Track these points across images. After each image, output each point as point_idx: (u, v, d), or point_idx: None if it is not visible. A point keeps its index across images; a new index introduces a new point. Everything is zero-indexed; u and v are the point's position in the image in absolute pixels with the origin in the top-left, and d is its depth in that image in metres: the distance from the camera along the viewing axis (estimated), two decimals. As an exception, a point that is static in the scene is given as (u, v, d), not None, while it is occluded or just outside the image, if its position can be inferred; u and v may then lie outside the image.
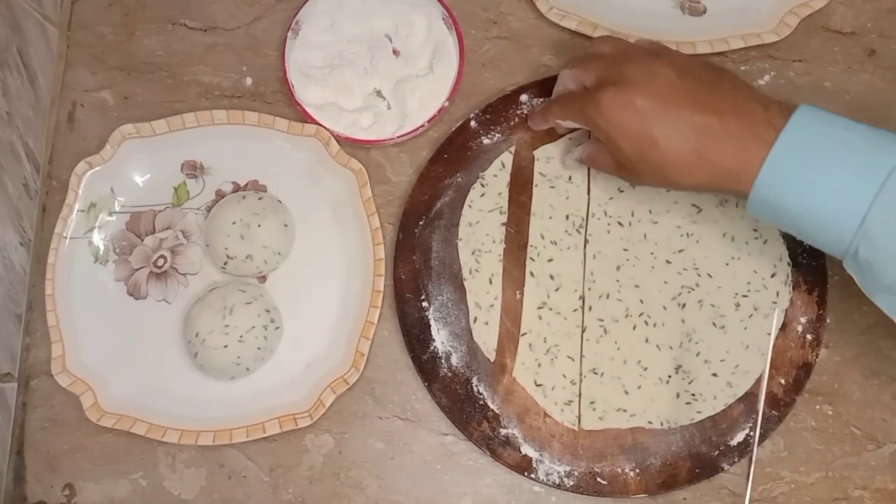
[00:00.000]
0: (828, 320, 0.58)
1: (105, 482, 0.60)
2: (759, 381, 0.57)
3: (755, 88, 0.51)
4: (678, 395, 0.58)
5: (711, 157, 0.49)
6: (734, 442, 0.57)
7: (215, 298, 0.59)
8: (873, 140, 0.45)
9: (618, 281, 0.59)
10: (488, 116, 0.62)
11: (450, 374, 0.59)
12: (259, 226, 0.59)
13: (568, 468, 0.57)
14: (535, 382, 0.58)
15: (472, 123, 0.62)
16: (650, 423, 0.58)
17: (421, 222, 0.61)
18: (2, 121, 0.60)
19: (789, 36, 0.62)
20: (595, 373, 0.58)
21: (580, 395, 0.58)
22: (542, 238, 0.60)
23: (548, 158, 0.61)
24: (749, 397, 0.57)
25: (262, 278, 0.62)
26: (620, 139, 0.51)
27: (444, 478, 0.59)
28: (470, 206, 0.61)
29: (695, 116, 0.49)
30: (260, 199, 0.61)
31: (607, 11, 0.64)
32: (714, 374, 0.58)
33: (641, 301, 0.59)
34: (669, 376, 0.58)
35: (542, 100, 0.62)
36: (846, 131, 0.46)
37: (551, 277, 0.60)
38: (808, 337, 0.58)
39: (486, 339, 0.59)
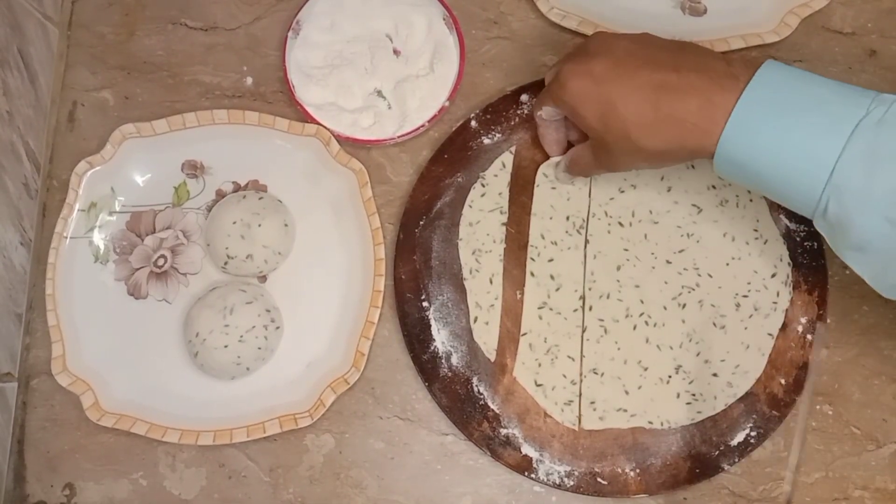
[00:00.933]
0: (828, 320, 0.58)
1: (105, 482, 0.60)
2: (796, 407, 0.57)
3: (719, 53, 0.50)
4: (678, 396, 0.58)
5: (672, 112, 0.47)
6: (734, 442, 0.57)
7: (215, 298, 0.59)
8: (840, 93, 0.44)
9: (618, 281, 0.59)
10: (489, 116, 0.62)
11: (450, 374, 0.59)
12: (259, 225, 0.59)
13: (568, 468, 0.57)
14: (536, 382, 0.58)
15: (473, 123, 0.62)
16: (650, 423, 0.58)
17: (421, 222, 0.61)
18: (2, 120, 0.60)
19: (790, 36, 0.62)
20: (595, 373, 0.58)
21: (580, 395, 0.58)
22: (543, 238, 0.60)
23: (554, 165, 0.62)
24: (749, 397, 0.57)
25: (263, 278, 0.62)
26: (582, 108, 0.51)
27: (445, 478, 0.59)
28: (470, 206, 0.61)
29: (652, 75, 0.48)
30: (260, 198, 0.61)
31: (607, 11, 0.64)
32: (714, 375, 0.58)
33: (642, 301, 0.59)
34: (670, 376, 0.58)
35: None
36: (813, 85, 0.45)
37: (552, 277, 0.60)
38: (809, 337, 0.58)
39: (487, 339, 0.59)
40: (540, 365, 0.59)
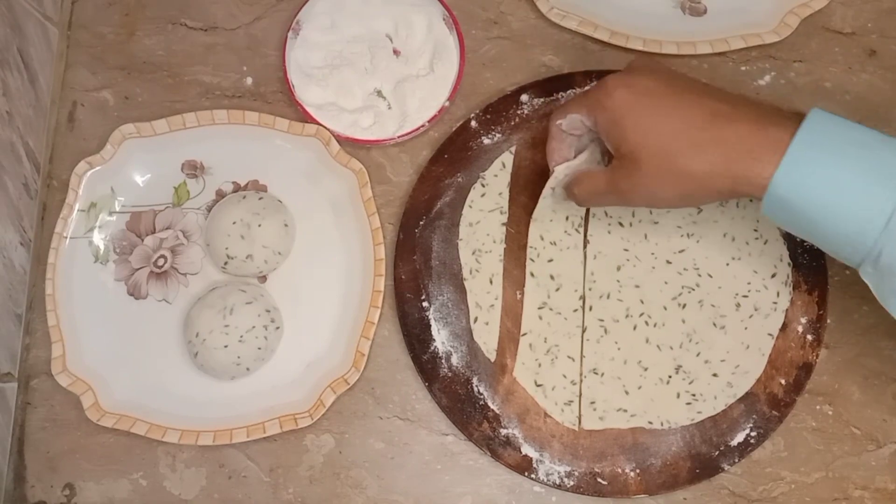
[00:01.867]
0: (828, 320, 0.58)
1: (105, 482, 0.60)
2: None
3: None
4: (678, 396, 0.58)
5: (723, 134, 0.45)
6: (734, 442, 0.57)
7: (215, 298, 0.59)
8: (891, 143, 0.43)
9: (618, 281, 0.59)
10: (489, 116, 0.62)
11: (450, 375, 0.59)
12: (259, 226, 0.59)
13: (568, 468, 0.57)
14: (536, 383, 0.58)
15: (473, 123, 0.62)
16: (650, 423, 0.58)
17: (421, 222, 0.61)
18: (2, 120, 0.60)
19: (790, 36, 0.62)
20: (595, 373, 0.58)
21: (580, 395, 0.58)
22: (542, 239, 0.60)
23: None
24: (749, 397, 0.57)
25: (263, 278, 0.62)
26: (625, 118, 0.48)
27: (444, 478, 0.59)
28: (470, 206, 0.61)
29: (704, 99, 0.47)
30: (260, 198, 0.61)
31: (608, 11, 0.64)
32: (714, 375, 0.58)
33: (642, 301, 0.59)
34: (670, 376, 0.58)
35: (542, 99, 0.62)
36: (862, 133, 0.44)
37: (552, 277, 0.60)
38: (809, 337, 0.58)
39: (487, 339, 0.59)
40: (540, 365, 0.59)
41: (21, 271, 0.62)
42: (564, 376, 0.58)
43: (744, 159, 0.45)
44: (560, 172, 0.55)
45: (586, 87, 0.62)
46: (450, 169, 0.61)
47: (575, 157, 0.55)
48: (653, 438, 0.57)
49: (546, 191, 0.56)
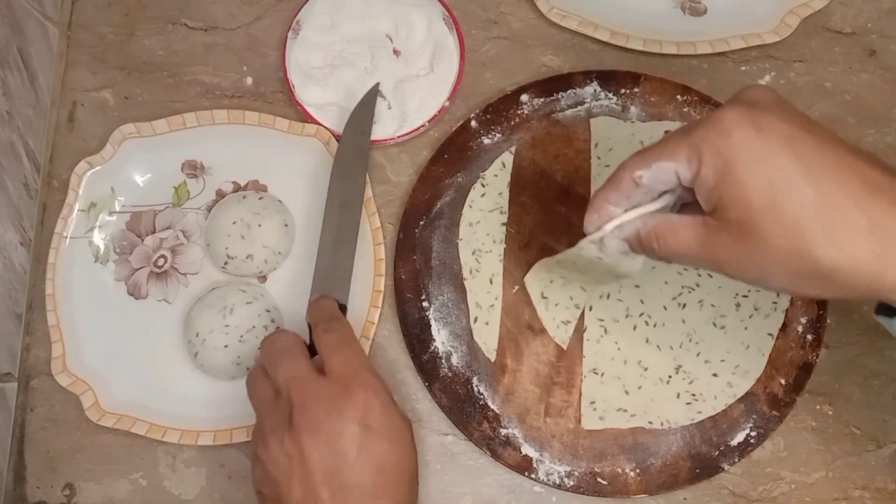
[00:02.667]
0: (828, 320, 0.58)
1: (105, 482, 0.60)
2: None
3: None
4: (678, 396, 0.58)
5: (884, 220, 0.34)
6: (734, 442, 0.57)
7: (215, 298, 0.59)
8: None
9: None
10: (489, 116, 0.62)
11: (450, 374, 0.59)
12: (259, 226, 0.59)
13: (568, 468, 0.57)
14: (542, 294, 0.59)
15: (473, 123, 0.62)
16: (650, 423, 0.58)
17: (421, 222, 0.61)
18: (2, 120, 0.60)
19: (790, 36, 0.62)
20: (595, 373, 0.58)
21: (581, 394, 0.58)
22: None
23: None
24: (749, 397, 0.57)
25: (263, 278, 0.62)
26: (747, 172, 0.36)
27: (444, 478, 0.59)
28: (470, 206, 0.61)
29: (856, 162, 0.36)
30: (260, 198, 0.61)
31: (608, 11, 0.64)
32: (714, 375, 0.58)
33: (642, 301, 0.59)
34: (670, 376, 0.58)
35: (542, 99, 0.62)
36: None
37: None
38: (809, 337, 0.58)
39: (487, 339, 0.59)
40: (551, 282, 0.59)
41: (21, 271, 0.62)
42: (570, 298, 0.58)
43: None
44: (612, 225, 0.44)
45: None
46: (450, 169, 0.61)
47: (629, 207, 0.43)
48: (653, 438, 0.57)
49: (584, 246, 0.45)
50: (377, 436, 0.46)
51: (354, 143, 0.60)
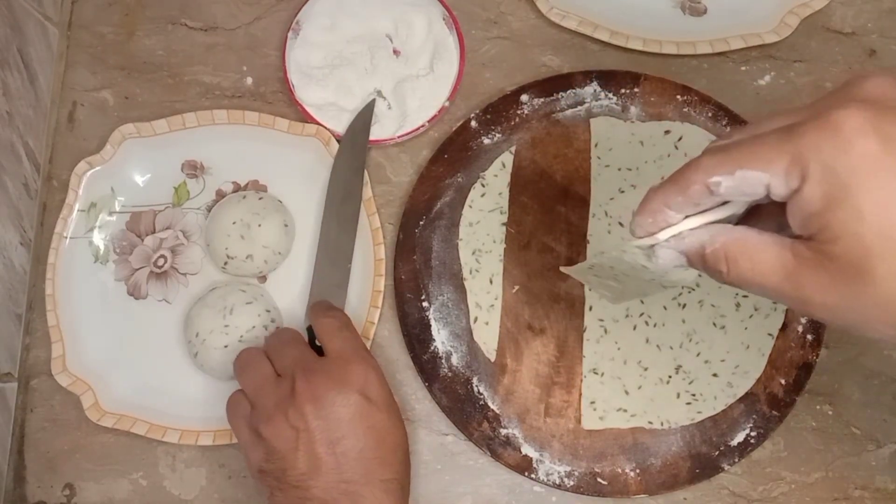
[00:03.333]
0: (828, 320, 0.58)
1: (105, 482, 0.60)
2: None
3: None
4: (678, 396, 0.58)
5: None
6: (734, 442, 0.57)
7: (215, 298, 0.59)
8: None
9: (618, 281, 0.59)
10: (489, 116, 0.62)
11: (450, 375, 0.59)
12: (259, 226, 0.59)
13: (568, 468, 0.57)
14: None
15: (473, 123, 0.62)
16: (650, 423, 0.58)
17: (421, 222, 0.61)
18: (2, 121, 0.60)
19: (790, 36, 0.62)
20: (595, 373, 0.58)
21: (581, 394, 0.58)
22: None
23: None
24: (749, 397, 0.57)
25: (263, 278, 0.62)
26: (868, 198, 0.29)
27: (444, 478, 0.59)
28: (470, 206, 0.61)
29: None
30: (260, 198, 0.61)
31: (608, 11, 0.64)
32: (714, 375, 0.58)
33: (642, 301, 0.59)
34: (670, 376, 0.58)
35: (542, 99, 0.62)
36: None
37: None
38: (809, 337, 0.58)
39: (487, 339, 0.59)
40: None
41: (21, 271, 0.62)
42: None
43: None
44: (669, 234, 0.36)
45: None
46: (450, 169, 0.61)
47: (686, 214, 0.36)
48: (653, 438, 0.57)
49: (629, 250, 0.38)
50: (376, 407, 0.48)
51: (351, 156, 0.61)
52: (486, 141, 0.62)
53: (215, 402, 0.60)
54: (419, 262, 0.60)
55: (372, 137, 0.62)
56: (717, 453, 0.57)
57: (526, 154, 0.62)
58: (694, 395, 0.58)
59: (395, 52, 0.64)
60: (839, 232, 0.30)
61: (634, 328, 0.59)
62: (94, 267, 0.62)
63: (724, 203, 0.35)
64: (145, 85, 0.66)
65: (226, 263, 0.60)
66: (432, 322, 0.60)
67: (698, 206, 0.35)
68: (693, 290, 0.59)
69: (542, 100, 0.62)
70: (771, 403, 0.57)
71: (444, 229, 0.61)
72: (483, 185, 0.61)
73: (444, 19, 0.63)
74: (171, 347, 0.61)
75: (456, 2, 0.64)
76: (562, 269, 0.47)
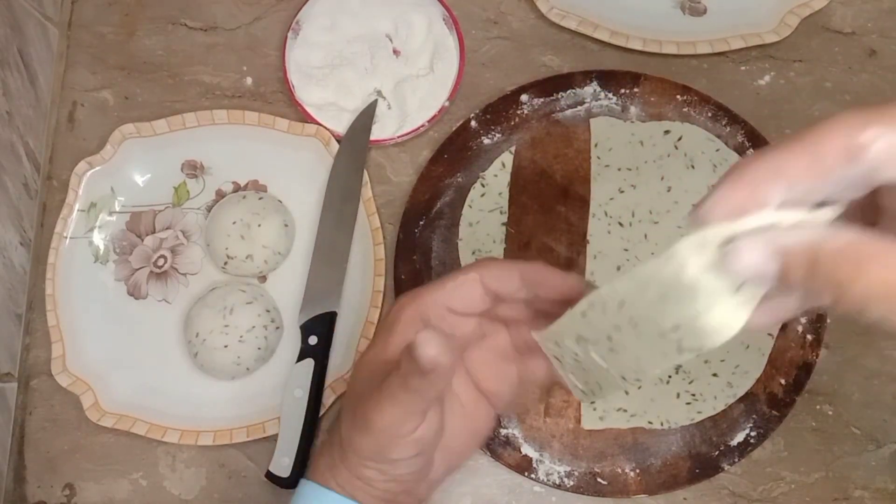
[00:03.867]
0: (828, 320, 0.58)
1: (105, 482, 0.60)
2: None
3: None
4: (678, 396, 0.58)
5: None
6: (734, 442, 0.57)
7: (215, 298, 0.59)
8: None
9: (618, 281, 0.59)
10: (489, 116, 0.62)
11: (450, 374, 0.59)
12: (259, 226, 0.59)
13: (568, 468, 0.57)
14: None
15: (473, 123, 0.62)
16: (650, 423, 0.58)
17: (421, 222, 0.61)
18: (2, 121, 0.60)
19: (790, 36, 0.62)
20: (595, 373, 0.58)
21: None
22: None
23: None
24: (749, 397, 0.57)
25: (263, 278, 0.62)
26: None
27: (445, 478, 0.59)
28: (470, 206, 0.61)
29: None
30: (260, 198, 0.61)
31: (608, 11, 0.64)
32: (714, 375, 0.58)
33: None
34: (669, 376, 0.58)
35: (542, 99, 0.62)
36: None
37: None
38: (809, 337, 0.58)
39: (487, 339, 0.59)
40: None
41: (21, 271, 0.62)
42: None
43: None
44: (763, 220, 0.27)
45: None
46: (450, 169, 0.61)
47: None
48: (653, 438, 0.57)
49: (679, 252, 0.30)
50: None
51: (351, 157, 0.61)
52: (486, 141, 0.62)
53: (215, 402, 0.60)
54: (419, 262, 0.60)
55: (372, 137, 0.62)
56: (717, 453, 0.57)
57: (526, 154, 0.62)
58: (694, 394, 0.58)
59: (395, 52, 0.64)
60: None
61: (634, 328, 0.59)
62: (94, 267, 0.62)
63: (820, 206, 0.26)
64: (145, 85, 0.66)
65: (226, 263, 0.60)
66: (432, 322, 0.60)
67: (823, 182, 0.26)
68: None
69: (541, 100, 0.62)
70: (771, 403, 0.57)
71: (444, 229, 0.61)
72: (483, 185, 0.61)
73: (443, 19, 0.63)
74: (171, 347, 0.61)
75: (456, 2, 0.64)
76: (533, 333, 0.37)
